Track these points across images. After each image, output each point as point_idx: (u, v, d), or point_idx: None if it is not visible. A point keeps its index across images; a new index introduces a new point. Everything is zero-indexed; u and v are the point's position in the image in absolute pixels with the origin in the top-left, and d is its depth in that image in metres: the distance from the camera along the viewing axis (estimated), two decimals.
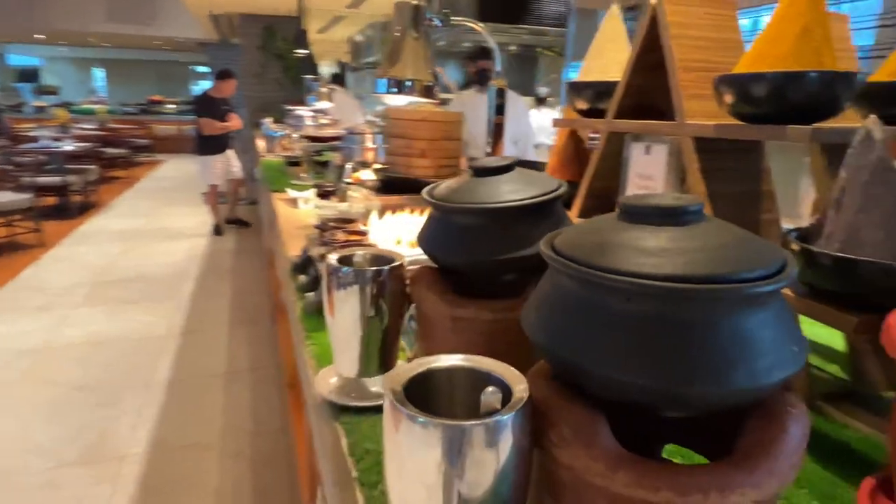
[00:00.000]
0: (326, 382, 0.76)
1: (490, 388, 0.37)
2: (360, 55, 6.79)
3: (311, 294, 1.06)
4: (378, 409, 0.71)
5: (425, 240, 0.71)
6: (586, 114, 1.00)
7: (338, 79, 5.15)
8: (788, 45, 0.61)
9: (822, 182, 0.82)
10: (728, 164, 0.76)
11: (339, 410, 0.71)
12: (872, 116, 0.57)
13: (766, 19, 0.63)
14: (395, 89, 1.18)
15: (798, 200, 0.94)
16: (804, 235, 0.63)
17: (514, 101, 2.79)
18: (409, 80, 1.17)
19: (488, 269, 0.67)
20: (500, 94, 1.33)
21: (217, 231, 5.54)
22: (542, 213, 0.66)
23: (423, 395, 0.41)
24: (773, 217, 0.79)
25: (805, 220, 0.99)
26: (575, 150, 1.10)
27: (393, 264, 0.69)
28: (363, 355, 0.72)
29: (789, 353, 0.36)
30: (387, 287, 0.69)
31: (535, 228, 0.65)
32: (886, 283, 0.55)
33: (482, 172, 0.68)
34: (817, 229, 0.61)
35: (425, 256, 1.04)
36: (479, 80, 3.01)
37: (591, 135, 1.33)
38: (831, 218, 0.59)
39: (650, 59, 0.84)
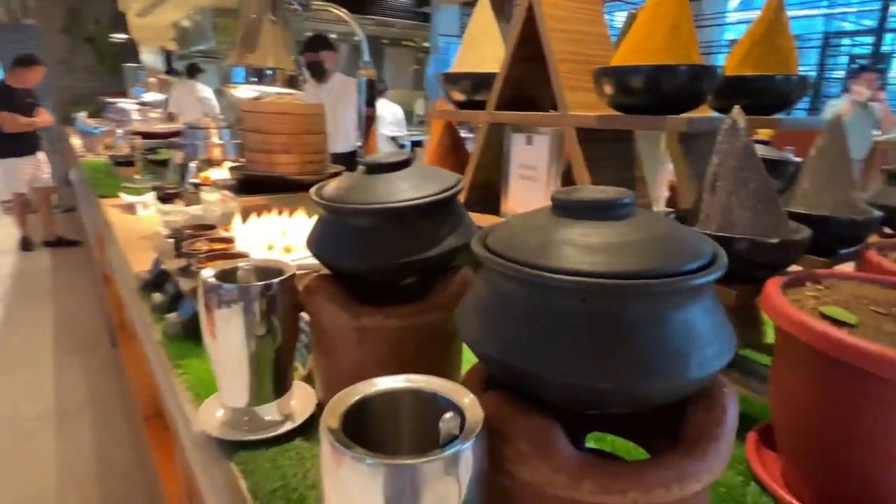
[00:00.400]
0: (211, 417, 0.66)
1: (448, 415, 0.33)
2: (188, 42, 6.18)
3: (172, 315, 0.92)
4: (278, 441, 0.63)
5: (317, 245, 0.64)
6: (464, 105, 1.00)
7: (193, 69, 4.63)
8: (661, 39, 0.65)
9: (680, 166, 0.90)
10: (605, 152, 0.80)
11: (232, 448, 0.62)
12: (737, 107, 0.62)
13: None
14: (255, 78, 1.06)
15: (656, 184, 1.03)
16: (682, 218, 0.68)
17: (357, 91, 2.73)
18: (269, 68, 1.06)
19: (392, 273, 0.63)
20: (371, 85, 1.26)
21: (26, 245, 4.72)
22: (445, 211, 0.63)
23: (361, 425, 0.36)
24: (647, 202, 0.85)
25: (662, 203, 1.08)
26: (452, 143, 1.09)
27: (283, 276, 0.62)
28: (254, 381, 0.63)
29: (728, 336, 0.37)
30: (278, 302, 0.62)
31: (439, 227, 0.62)
32: (757, 256, 0.61)
33: (376, 169, 0.63)
34: (695, 212, 0.66)
35: (307, 261, 0.96)
36: (313, 72, 2.85)
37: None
38: (706, 201, 0.64)
39: (525, 51, 0.86)
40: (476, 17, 0.98)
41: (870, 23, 7.36)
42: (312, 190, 0.65)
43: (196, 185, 1.77)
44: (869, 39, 7.21)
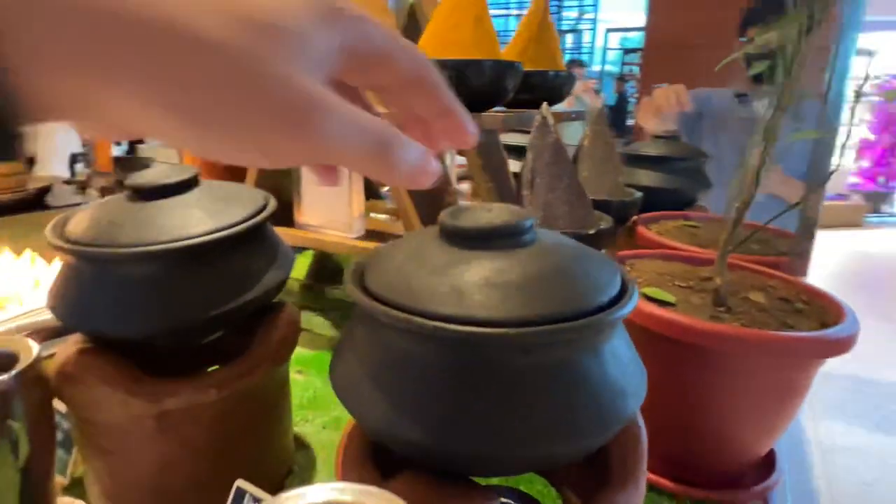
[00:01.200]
0: None
1: None
2: None
3: None
4: None
5: (71, 308, 0.45)
6: None
7: None
8: (468, 32, 0.61)
9: (473, 160, 0.90)
10: None
11: None
12: (545, 103, 0.63)
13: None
14: None
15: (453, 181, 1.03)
16: None
17: None
18: None
19: (197, 332, 0.47)
20: None
21: None
22: (259, 239, 0.50)
23: None
24: (455, 200, 0.83)
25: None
26: None
27: (21, 367, 0.41)
28: None
29: (638, 359, 0.35)
30: (15, 405, 0.41)
31: (254, 261, 0.49)
32: None
33: (150, 193, 0.47)
34: None
35: (33, 319, 0.71)
36: None
37: None
38: (527, 198, 0.64)
39: None
40: None
41: None
42: (49, 229, 0.45)
43: None
44: None
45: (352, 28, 0.20)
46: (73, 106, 0.17)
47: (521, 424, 0.27)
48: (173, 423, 0.45)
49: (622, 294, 0.32)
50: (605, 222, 0.68)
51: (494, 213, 0.33)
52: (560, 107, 1.03)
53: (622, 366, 0.31)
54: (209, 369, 0.59)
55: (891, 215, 5.75)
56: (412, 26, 0.88)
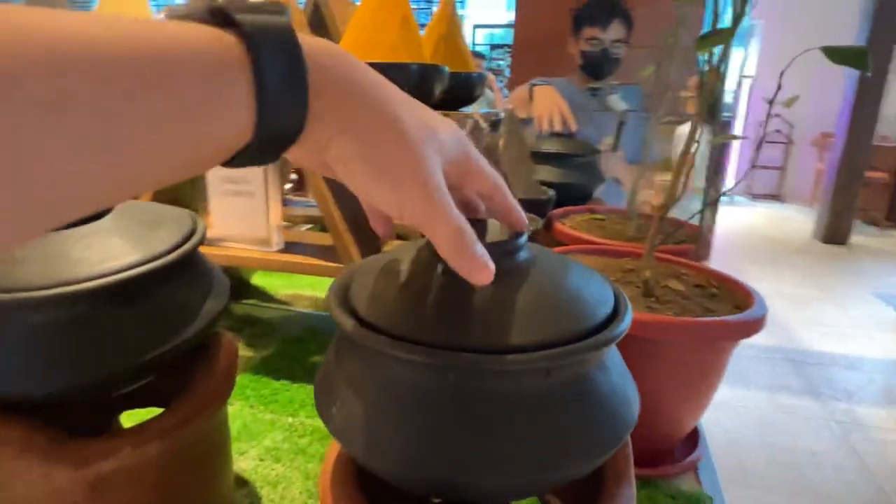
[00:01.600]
0: None
1: None
2: None
3: None
4: None
5: None
6: None
7: None
8: (394, 34, 0.59)
9: None
10: None
11: None
12: (476, 109, 0.63)
13: None
14: None
15: None
16: None
17: None
18: None
19: (129, 380, 0.41)
20: None
21: None
22: (192, 267, 0.44)
23: None
24: None
25: None
26: None
27: None
28: None
29: (627, 370, 0.36)
30: None
31: (190, 292, 0.44)
32: None
33: None
34: None
35: None
36: None
37: None
38: None
39: None
40: None
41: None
42: None
43: None
44: None
45: (462, 148, 0.31)
46: (312, 142, 0.25)
47: (554, 446, 0.27)
48: (108, 488, 0.39)
49: (617, 303, 0.32)
50: (535, 223, 0.69)
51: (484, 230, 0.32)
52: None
53: (622, 374, 0.32)
54: (121, 415, 0.52)
55: (724, 195, 6.61)
56: (316, 20, 0.83)
